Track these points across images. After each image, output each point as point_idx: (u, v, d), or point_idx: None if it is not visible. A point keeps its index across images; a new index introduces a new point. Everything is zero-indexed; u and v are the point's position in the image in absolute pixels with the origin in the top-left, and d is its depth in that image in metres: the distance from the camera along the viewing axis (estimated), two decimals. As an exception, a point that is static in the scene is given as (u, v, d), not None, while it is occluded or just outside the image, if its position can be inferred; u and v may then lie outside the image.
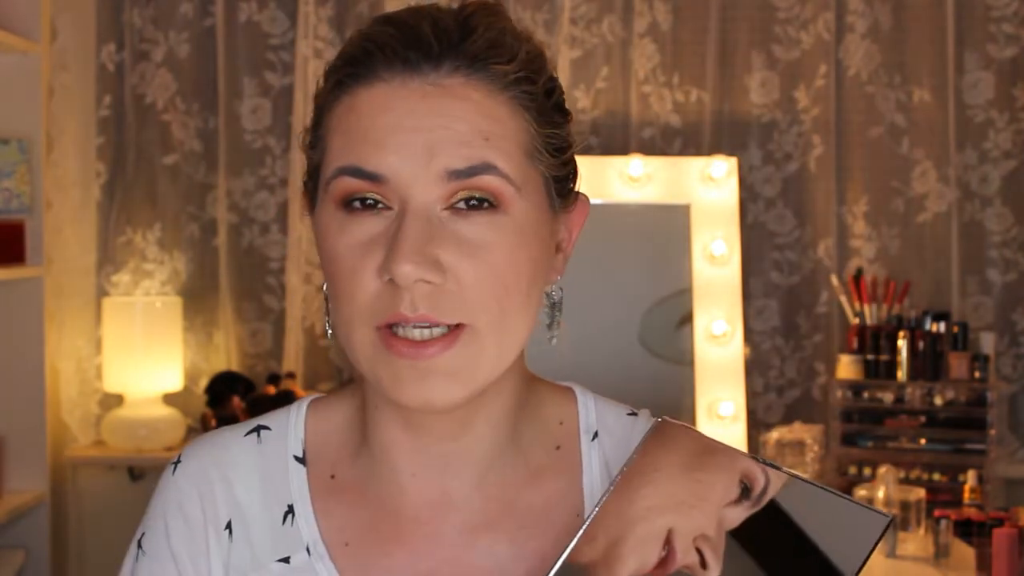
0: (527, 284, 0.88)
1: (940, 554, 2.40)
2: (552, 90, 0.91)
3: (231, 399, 3.07)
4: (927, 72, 3.16)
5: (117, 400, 3.16)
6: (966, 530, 2.42)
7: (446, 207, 0.85)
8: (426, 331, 0.84)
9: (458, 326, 0.85)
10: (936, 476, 2.84)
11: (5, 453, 2.93)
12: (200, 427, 3.13)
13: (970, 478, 2.69)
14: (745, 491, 0.81)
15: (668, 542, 0.79)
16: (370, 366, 0.87)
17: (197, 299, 3.26)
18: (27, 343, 2.96)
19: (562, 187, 0.92)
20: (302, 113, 3.17)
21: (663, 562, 0.79)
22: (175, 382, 3.14)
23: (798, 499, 0.81)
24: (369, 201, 0.86)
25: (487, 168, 0.85)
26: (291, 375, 3.13)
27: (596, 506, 0.81)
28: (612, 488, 0.81)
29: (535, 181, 0.89)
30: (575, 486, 0.97)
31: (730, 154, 3.10)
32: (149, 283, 3.25)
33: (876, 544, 0.78)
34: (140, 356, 3.08)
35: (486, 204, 0.85)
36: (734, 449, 0.83)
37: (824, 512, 0.80)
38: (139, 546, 0.97)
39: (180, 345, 3.16)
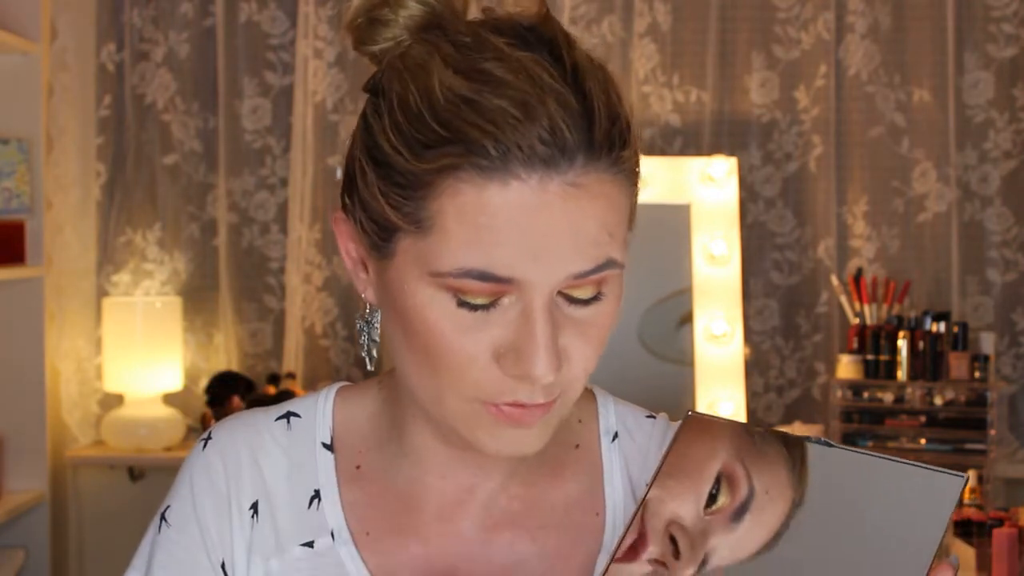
0: None
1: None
2: (631, 133, 0.89)
3: (231, 399, 3.07)
4: (927, 72, 3.16)
5: (117, 400, 3.16)
6: (966, 530, 2.42)
7: (559, 292, 0.83)
8: None
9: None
10: (936, 476, 2.84)
11: (5, 453, 2.93)
12: (200, 427, 3.13)
13: (970, 478, 2.69)
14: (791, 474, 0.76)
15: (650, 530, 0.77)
16: (466, 427, 0.86)
17: (197, 299, 3.26)
18: (27, 343, 2.95)
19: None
20: (302, 113, 3.17)
21: (632, 549, 0.76)
22: (175, 382, 3.14)
23: (860, 474, 0.76)
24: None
25: (608, 264, 0.84)
26: (291, 375, 3.13)
27: (636, 509, 0.79)
28: (648, 491, 0.79)
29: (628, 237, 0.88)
30: (596, 487, 0.97)
31: (730, 154, 3.10)
32: (149, 283, 3.25)
33: (954, 509, 0.74)
34: (140, 356, 3.07)
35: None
36: (775, 432, 0.79)
37: (891, 483, 0.75)
38: (163, 519, 0.97)
39: (180, 345, 3.16)
